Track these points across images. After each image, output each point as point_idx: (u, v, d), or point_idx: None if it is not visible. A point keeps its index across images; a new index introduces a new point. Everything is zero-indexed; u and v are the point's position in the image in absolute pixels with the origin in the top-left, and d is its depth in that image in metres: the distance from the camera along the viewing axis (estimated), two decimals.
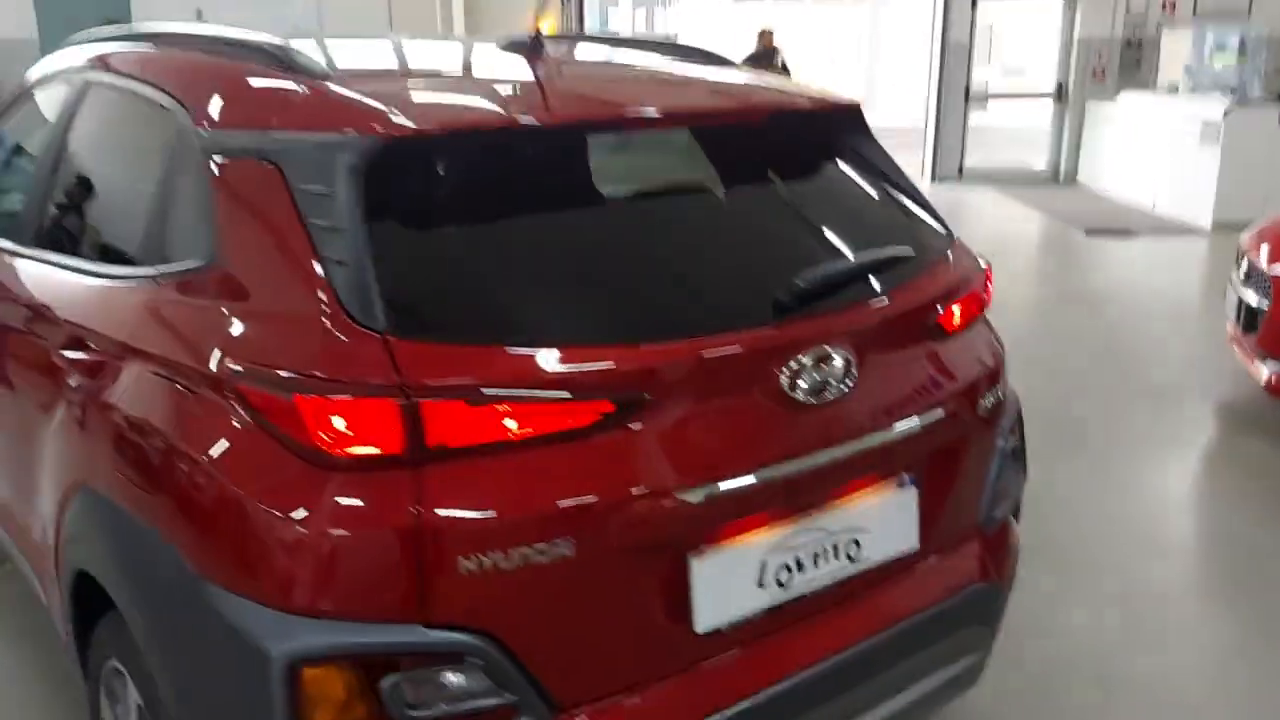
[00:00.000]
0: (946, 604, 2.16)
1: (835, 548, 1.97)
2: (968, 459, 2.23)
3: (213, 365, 1.70)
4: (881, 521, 2.05)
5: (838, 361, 1.88)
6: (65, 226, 2.51)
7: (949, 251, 2.30)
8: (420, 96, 2.04)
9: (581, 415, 1.65)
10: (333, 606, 1.56)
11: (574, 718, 1.70)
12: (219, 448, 1.66)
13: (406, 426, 1.55)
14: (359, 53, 2.51)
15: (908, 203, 2.36)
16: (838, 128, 2.37)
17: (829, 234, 2.18)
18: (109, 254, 2.26)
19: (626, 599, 1.72)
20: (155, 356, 1.87)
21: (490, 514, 1.59)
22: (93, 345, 2.09)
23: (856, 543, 2.00)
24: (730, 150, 2.17)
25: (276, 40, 2.08)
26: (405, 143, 1.73)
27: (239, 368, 1.66)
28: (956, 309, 2.22)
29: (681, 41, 2.65)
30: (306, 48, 2.10)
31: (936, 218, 2.39)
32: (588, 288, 1.82)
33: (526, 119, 1.91)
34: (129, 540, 1.84)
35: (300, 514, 1.55)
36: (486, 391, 1.59)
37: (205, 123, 1.98)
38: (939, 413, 2.08)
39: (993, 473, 2.31)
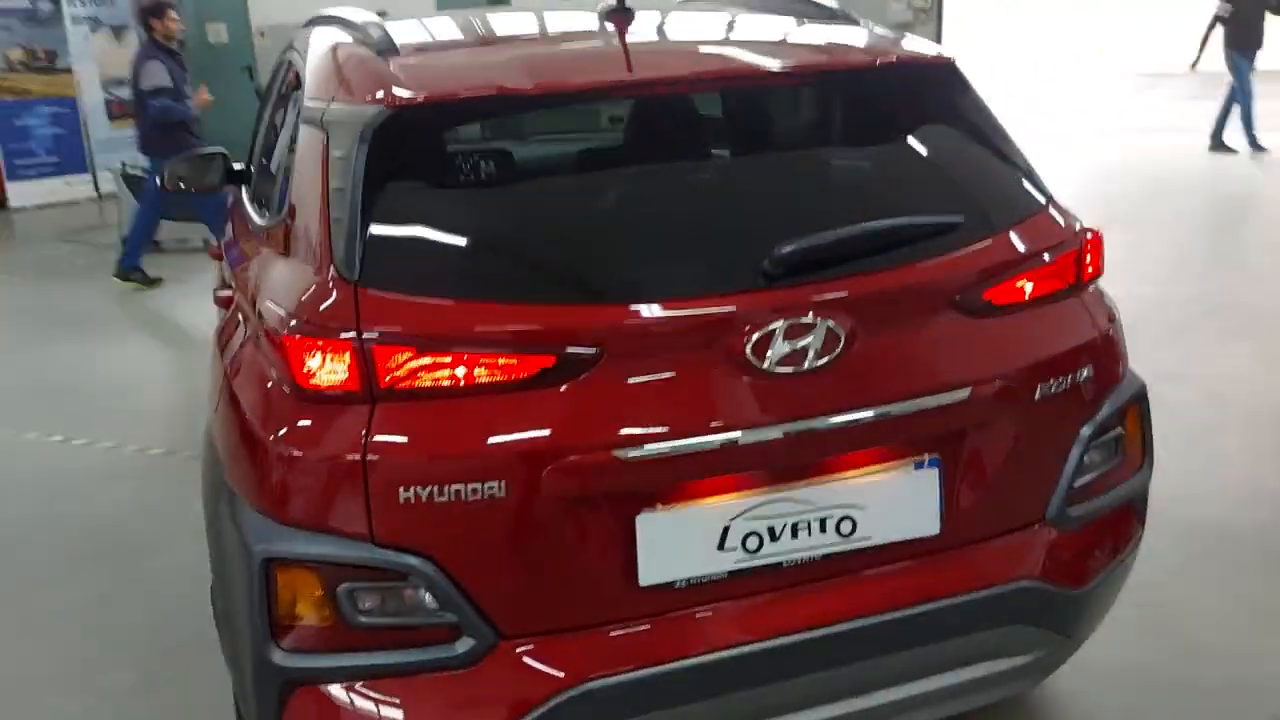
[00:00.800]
0: (975, 597, 2.06)
1: (821, 522, 1.95)
2: (1018, 446, 2.09)
3: (258, 308, 2.01)
4: (887, 501, 2.00)
5: (818, 332, 1.85)
6: (256, 185, 2.97)
7: (1032, 219, 2.15)
8: (447, 69, 2.20)
9: (523, 368, 1.78)
10: (302, 519, 1.81)
11: (516, 646, 1.84)
12: (247, 378, 1.97)
13: (362, 368, 1.77)
14: (449, 28, 2.67)
15: (993, 166, 2.23)
16: (916, 85, 2.27)
17: (859, 200, 2.13)
18: (261, 207, 2.67)
19: (569, 545, 1.83)
20: (238, 299, 2.22)
21: (430, 451, 1.77)
22: (227, 284, 2.50)
23: (851, 520, 1.96)
24: (760, 114, 2.16)
25: (366, 17, 2.33)
26: (402, 112, 1.92)
27: (266, 312, 1.95)
28: (1025, 283, 2.08)
29: None
30: (400, 26, 2.34)
31: (1033, 182, 2.23)
32: (551, 248, 1.93)
33: (522, 87, 2.03)
34: (207, 451, 2.22)
35: (281, 436, 1.82)
36: (435, 340, 1.77)
37: (305, 96, 2.29)
38: (963, 394, 1.97)
39: (1069, 465, 2.15)
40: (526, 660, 1.84)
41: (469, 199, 1.96)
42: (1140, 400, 2.31)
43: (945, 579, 2.06)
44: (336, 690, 1.83)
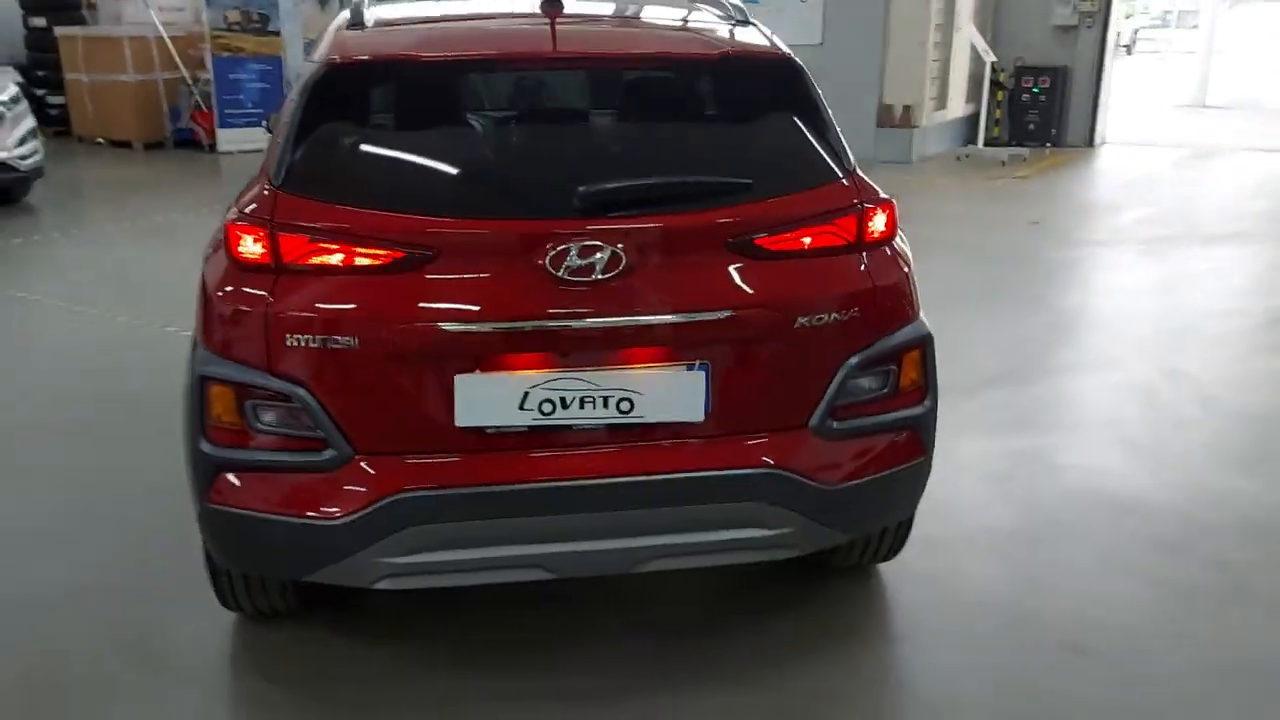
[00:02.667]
0: (725, 473, 2.62)
1: (605, 400, 2.56)
2: (780, 364, 2.64)
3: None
4: (661, 391, 2.59)
5: (603, 254, 2.48)
6: None
7: (820, 188, 2.70)
8: (379, 40, 2.88)
9: (379, 258, 2.49)
10: (226, 351, 2.57)
11: (366, 460, 2.55)
12: (212, 255, 2.75)
13: (271, 248, 2.51)
14: (416, 10, 3.35)
15: (804, 145, 2.78)
16: (755, 74, 2.85)
17: (669, 161, 2.74)
18: None
19: (406, 389, 2.52)
20: None
21: (310, 311, 2.48)
22: None
23: (630, 401, 2.57)
24: (613, 89, 2.80)
25: None
26: (330, 71, 2.66)
27: (230, 209, 2.73)
28: (798, 236, 2.64)
29: None
30: (385, 7, 3.08)
31: (837, 160, 2.77)
32: (420, 175, 2.63)
33: (427, 55, 2.72)
34: None
35: (218, 293, 2.59)
36: (322, 232, 2.50)
37: (306, 56, 3.06)
38: (723, 314, 2.55)
39: (831, 386, 2.69)
40: (372, 470, 2.55)
41: (364, 136, 2.68)
42: (920, 346, 2.81)
43: (703, 456, 2.63)
44: (245, 476, 2.59)
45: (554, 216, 2.52)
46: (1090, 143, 13.30)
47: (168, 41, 12.70)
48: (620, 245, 2.49)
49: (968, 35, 12.46)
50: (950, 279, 6.94)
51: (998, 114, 13.18)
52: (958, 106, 13.19)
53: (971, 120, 13.22)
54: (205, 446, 2.58)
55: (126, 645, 3.08)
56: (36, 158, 9.45)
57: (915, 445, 2.85)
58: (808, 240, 2.67)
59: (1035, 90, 13.08)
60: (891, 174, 11.24)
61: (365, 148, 2.70)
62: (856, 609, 3.24)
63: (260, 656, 3.05)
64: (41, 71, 13.68)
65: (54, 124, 13.51)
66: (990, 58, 12.18)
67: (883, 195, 2.80)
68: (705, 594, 3.30)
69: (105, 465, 4.21)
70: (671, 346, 2.59)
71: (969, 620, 3.18)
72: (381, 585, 2.60)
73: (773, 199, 2.65)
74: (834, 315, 2.64)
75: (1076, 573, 3.44)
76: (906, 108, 12.09)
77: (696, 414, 2.60)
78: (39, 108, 13.46)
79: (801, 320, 2.61)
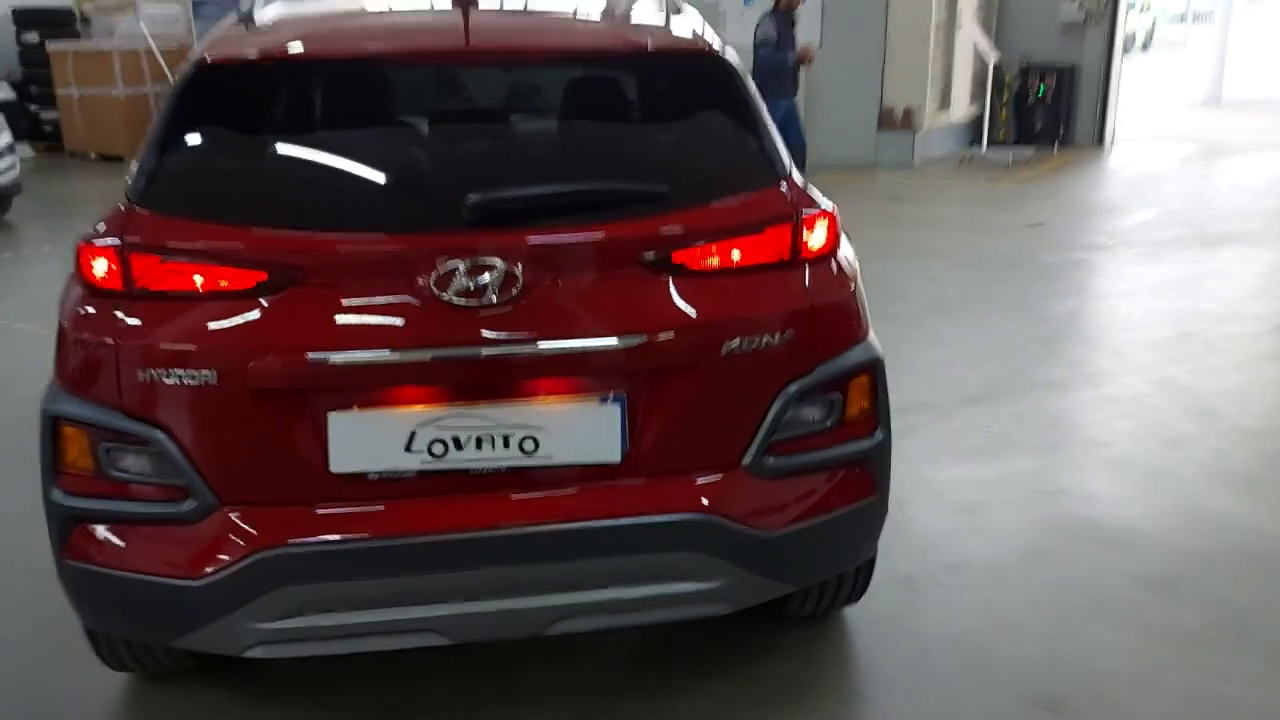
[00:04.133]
0: (647, 521, 2.34)
1: (505, 439, 2.29)
2: (707, 395, 2.35)
3: None
4: (570, 428, 2.31)
5: (497, 273, 2.20)
6: None
7: (750, 195, 2.42)
8: (261, 37, 2.60)
9: (240, 280, 2.22)
10: (77, 388, 2.30)
11: (231, 510, 2.28)
12: (69, 281, 2.47)
13: (122, 270, 2.24)
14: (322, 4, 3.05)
15: (731, 146, 2.49)
16: (679, 70, 2.57)
17: (577, 165, 2.46)
18: None
19: (273, 431, 2.25)
20: None
21: (162, 341, 2.22)
22: None
23: (534, 440, 2.29)
24: (523, 86, 2.51)
25: None
26: (205, 70, 2.39)
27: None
28: (724, 250, 2.36)
29: None
30: (274, 8, 2.81)
31: (769, 163, 2.48)
32: (292, 187, 2.35)
33: (305, 53, 2.44)
34: None
35: (68, 320, 2.32)
36: (174, 251, 2.23)
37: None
38: (637, 340, 2.27)
39: (767, 419, 2.40)
40: (239, 523, 2.27)
41: (234, 143, 2.41)
42: (870, 370, 2.52)
43: (621, 502, 2.35)
44: (102, 528, 2.32)
45: (439, 229, 2.25)
46: (1099, 142, 12.95)
47: (158, 55, 12.52)
48: (516, 262, 2.21)
49: (970, 35, 12.14)
50: (939, 288, 6.65)
51: (1003, 115, 12.84)
52: (961, 108, 12.85)
53: (976, 122, 12.88)
54: (57, 495, 2.32)
55: (13, 703, 2.81)
56: (13, 173, 9.24)
57: (865, 483, 2.57)
58: (736, 255, 2.38)
59: (1042, 90, 12.73)
60: (892, 178, 10.93)
61: (235, 157, 2.43)
62: (809, 659, 2.95)
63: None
64: (35, 87, 13.56)
65: (47, 139, 13.42)
66: (993, 58, 11.84)
67: (823, 203, 2.52)
68: (634, 647, 3.01)
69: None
70: (580, 377, 2.32)
71: (933, 671, 2.88)
72: (255, 654, 2.33)
73: (694, 208, 2.37)
74: (767, 339, 2.36)
75: (1054, 614, 3.14)
76: (908, 110, 11.76)
77: (612, 453, 2.32)
78: (33, 123, 13.39)
79: (730, 345, 2.33)
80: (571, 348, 2.26)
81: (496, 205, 2.26)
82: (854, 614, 3.12)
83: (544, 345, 2.25)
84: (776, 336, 2.37)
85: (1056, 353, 5.50)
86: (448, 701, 2.79)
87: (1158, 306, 6.29)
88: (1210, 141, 13.10)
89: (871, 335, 2.60)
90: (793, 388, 2.41)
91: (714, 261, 2.37)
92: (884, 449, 2.59)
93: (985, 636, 3.02)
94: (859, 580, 2.92)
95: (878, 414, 2.57)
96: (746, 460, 2.41)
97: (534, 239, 2.26)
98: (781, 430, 2.42)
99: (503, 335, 2.23)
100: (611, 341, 2.27)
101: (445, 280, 2.20)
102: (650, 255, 2.32)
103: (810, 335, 2.42)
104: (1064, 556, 3.46)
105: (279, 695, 2.83)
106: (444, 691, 2.82)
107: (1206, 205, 9.47)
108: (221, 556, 2.25)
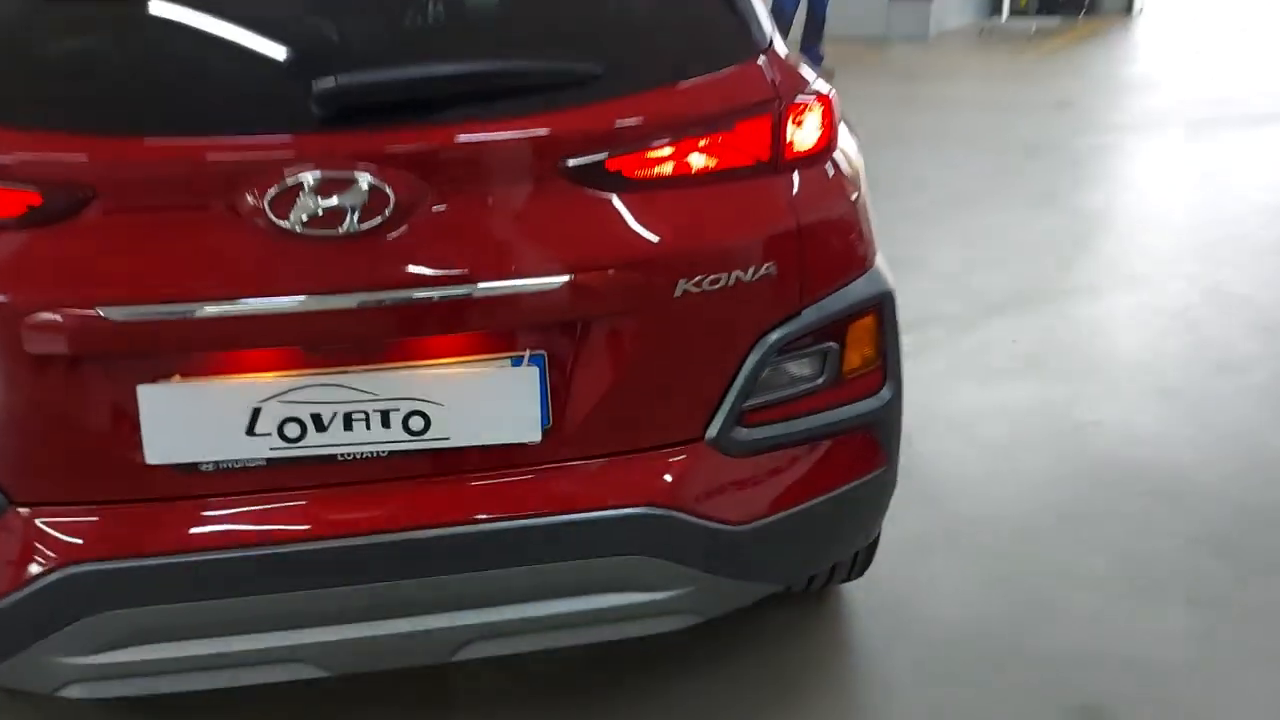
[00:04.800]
0: (580, 519, 1.77)
1: (384, 415, 1.70)
2: (657, 351, 1.76)
3: None
4: (472, 399, 1.72)
5: (358, 190, 1.58)
6: None
7: (713, 76, 1.77)
8: None
9: (5, 205, 1.59)
10: None
11: (24, 514, 1.70)
12: None
13: None
14: None
15: (692, 11, 1.83)
16: None
17: (473, 40, 1.81)
18: None
19: (67, 412, 1.65)
20: None
21: None
22: None
23: (423, 416, 1.70)
24: None
25: None
26: None
27: None
28: (677, 152, 1.72)
29: None
30: None
31: (743, 31, 1.83)
32: (83, 75, 1.70)
33: None
34: None
35: None
36: None
37: None
38: (560, 281, 1.66)
39: (739, 379, 1.81)
40: (39, 530, 1.70)
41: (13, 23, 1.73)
42: (877, 309, 1.92)
43: (544, 495, 1.78)
44: None
45: (277, 130, 1.61)
46: (1128, 10, 12.07)
47: None
48: (386, 175, 1.58)
49: None
50: (955, 177, 5.97)
51: None
52: None
53: None
54: None
55: None
56: None
57: (869, 453, 1.99)
58: (696, 159, 1.75)
59: None
60: (906, 52, 10.11)
61: (13, 37, 1.75)
62: (792, 656, 2.40)
63: None
64: None
65: None
66: None
67: (815, 84, 1.87)
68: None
69: None
70: (482, 332, 1.71)
71: (945, 668, 2.34)
72: (72, 694, 1.78)
73: (636, 95, 1.72)
74: (738, 274, 1.75)
75: (1095, 588, 2.58)
76: None
77: (529, 431, 1.73)
78: None
79: (686, 285, 1.72)
80: (467, 293, 1.65)
81: (356, 94, 1.61)
82: (854, 590, 2.57)
83: (428, 290, 1.64)
84: (751, 271, 1.76)
85: (1091, 252, 4.85)
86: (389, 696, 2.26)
87: (1203, 198, 5.61)
88: (1248, 9, 12.15)
89: (879, 260, 1.98)
90: (773, 336, 1.81)
91: (665, 169, 1.74)
92: (894, 409, 2.01)
93: (1010, 625, 2.46)
94: (860, 558, 2.36)
95: (886, 364, 1.97)
96: (711, 433, 1.83)
97: (409, 142, 1.62)
98: (758, 393, 1.84)
99: (371, 276, 1.62)
100: (524, 283, 1.66)
101: (286, 201, 1.58)
102: (575, 162, 1.68)
103: (797, 266, 1.81)
104: (1105, 512, 2.89)
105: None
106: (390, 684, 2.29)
107: (1247, 79, 8.66)
108: (14, 574, 1.69)
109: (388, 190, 1.59)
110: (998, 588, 2.59)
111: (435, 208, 1.63)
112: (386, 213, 1.60)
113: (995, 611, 2.51)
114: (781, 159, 1.80)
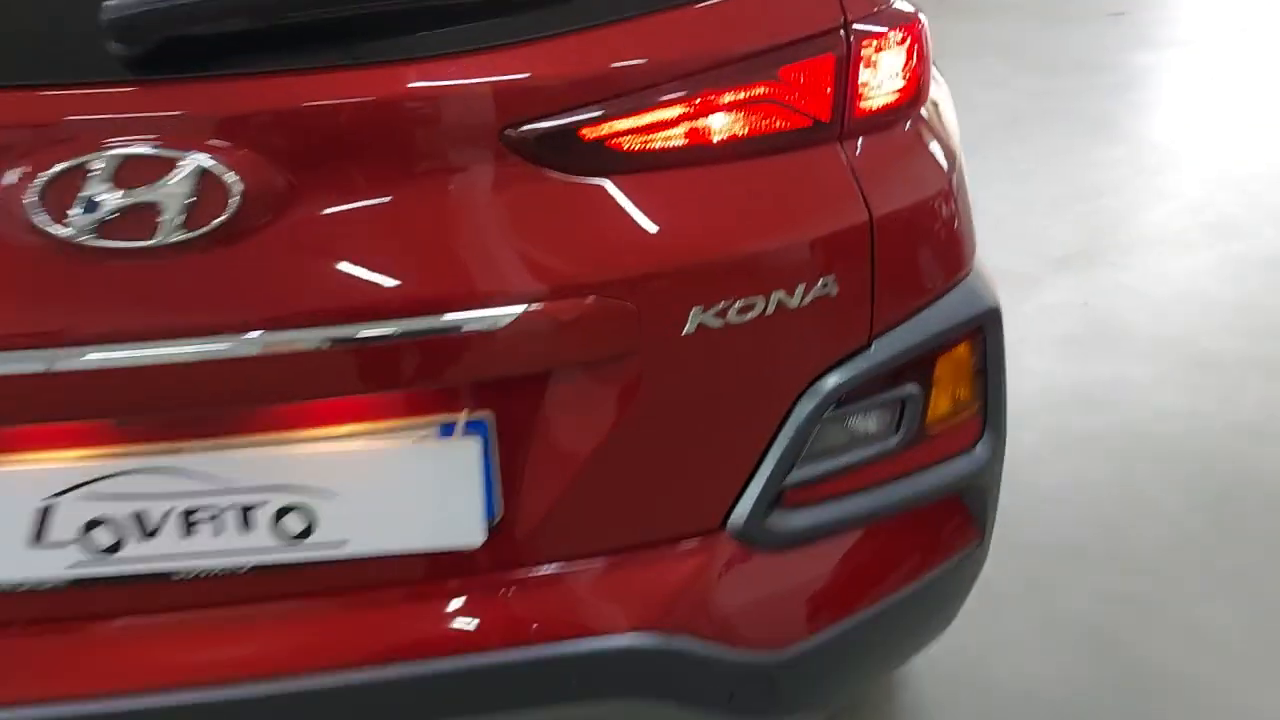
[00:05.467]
0: (539, 657, 1.21)
1: (244, 513, 1.13)
2: (656, 408, 1.18)
3: None
4: (377, 486, 1.15)
5: (183, 177, 0.98)
6: None
7: None
8: None
9: None
10: None
11: None
12: None
13: None
14: None
15: None
16: None
17: None
18: None
19: None
20: None
21: None
22: None
23: (307, 513, 1.14)
24: None
25: None
26: None
27: None
28: (692, 112, 1.12)
29: None
30: None
31: None
32: None
33: None
34: None
35: None
36: None
37: None
38: (512, 313, 1.07)
39: (780, 443, 1.23)
40: None
41: None
42: (979, 332, 1.33)
43: (490, 624, 1.22)
44: None
45: (48, 79, 1.00)
46: None
47: None
48: (227, 154, 0.98)
49: None
50: (1006, 97, 5.26)
51: None
52: None
53: None
54: None
55: None
56: None
57: (960, 526, 1.43)
58: (718, 121, 1.13)
59: None
60: None
61: None
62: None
63: None
64: None
65: None
66: None
67: (899, 4, 1.25)
68: None
69: None
70: (396, 389, 1.13)
71: None
72: None
73: (621, 22, 1.10)
74: (779, 297, 1.16)
75: (1218, 653, 2.02)
76: None
77: (468, 531, 1.17)
78: None
79: (702, 315, 1.13)
80: (366, 333, 1.06)
81: (175, 20, 0.99)
82: None
83: (299, 332, 1.05)
84: (800, 291, 1.17)
85: (1164, 192, 4.19)
86: None
87: None
88: None
89: (978, 263, 1.38)
90: (829, 382, 1.23)
91: (670, 139, 1.13)
92: (993, 468, 1.43)
93: (1101, 686, 1.92)
94: None
95: (986, 408, 1.38)
96: (737, 520, 1.26)
97: (263, 100, 1.02)
98: (806, 462, 1.26)
99: (208, 310, 1.03)
100: (456, 317, 1.07)
101: (63, 193, 0.98)
102: (530, 129, 1.07)
103: (867, 280, 1.21)
104: (1225, 534, 2.32)
105: None
106: None
107: None
108: None
109: (230, 176, 0.99)
110: (1071, 644, 2.03)
111: (310, 203, 1.03)
112: (228, 212, 1.00)
113: (1072, 675, 1.95)
114: (849, 119, 1.19)
